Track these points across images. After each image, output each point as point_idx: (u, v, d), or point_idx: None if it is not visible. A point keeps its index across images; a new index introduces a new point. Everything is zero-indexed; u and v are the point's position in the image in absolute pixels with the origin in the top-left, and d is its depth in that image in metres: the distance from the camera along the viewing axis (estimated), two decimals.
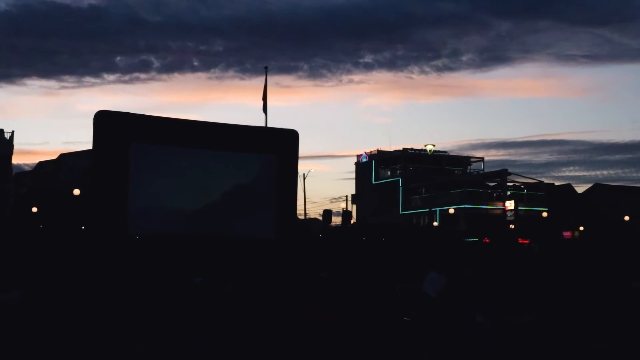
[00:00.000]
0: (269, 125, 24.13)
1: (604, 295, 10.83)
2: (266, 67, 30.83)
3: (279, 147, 11.83)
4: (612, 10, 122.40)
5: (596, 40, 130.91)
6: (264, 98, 29.37)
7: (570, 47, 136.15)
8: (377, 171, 79.51)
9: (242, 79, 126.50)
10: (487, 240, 41.77)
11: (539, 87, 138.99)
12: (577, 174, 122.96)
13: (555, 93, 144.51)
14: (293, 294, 9.79)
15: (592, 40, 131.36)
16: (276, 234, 11.56)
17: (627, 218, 64.24)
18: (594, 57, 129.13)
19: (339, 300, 9.69)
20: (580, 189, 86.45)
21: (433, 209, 65.22)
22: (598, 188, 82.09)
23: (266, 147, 11.79)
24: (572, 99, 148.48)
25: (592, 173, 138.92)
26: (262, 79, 29.63)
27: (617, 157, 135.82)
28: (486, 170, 77.31)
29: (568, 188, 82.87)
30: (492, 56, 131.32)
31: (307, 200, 75.57)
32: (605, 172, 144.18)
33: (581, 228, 62.41)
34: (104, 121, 10.76)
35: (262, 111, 29.39)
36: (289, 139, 11.96)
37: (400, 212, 73.19)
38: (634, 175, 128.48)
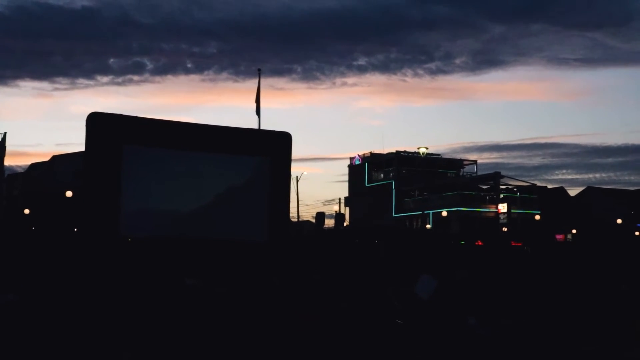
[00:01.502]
0: (262, 127, 24.12)
1: (595, 298, 10.87)
2: (259, 70, 30.87)
3: (272, 149, 11.84)
4: (605, 14, 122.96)
5: (589, 43, 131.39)
6: (257, 100, 29.38)
7: (563, 50, 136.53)
8: (370, 174, 79.50)
9: (236, 81, 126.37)
10: (480, 243, 41.81)
11: (532, 91, 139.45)
12: (569, 177, 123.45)
13: (548, 96, 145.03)
14: (286, 296, 9.80)
15: (585, 44, 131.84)
16: (269, 236, 11.56)
17: (619, 221, 64.48)
18: (587, 61, 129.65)
19: (332, 303, 9.69)
20: (572, 192, 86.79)
21: (426, 212, 65.32)
22: (590, 191, 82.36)
23: (259, 150, 11.79)
24: (565, 102, 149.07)
25: (585, 176, 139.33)
26: (256, 81, 29.62)
27: (610, 160, 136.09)
28: (479, 173, 77.46)
29: (561, 191, 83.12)
30: (486, 59, 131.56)
31: (300, 202, 75.65)
32: (597, 175, 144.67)
33: (574, 231, 62.62)
34: (97, 123, 10.74)
35: (255, 113, 29.41)
36: (282, 141, 11.97)
37: (393, 215, 73.23)
38: (626, 178, 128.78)
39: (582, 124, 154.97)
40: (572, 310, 10.01)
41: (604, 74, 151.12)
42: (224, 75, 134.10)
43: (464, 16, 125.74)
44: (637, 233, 63.00)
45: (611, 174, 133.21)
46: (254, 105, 29.60)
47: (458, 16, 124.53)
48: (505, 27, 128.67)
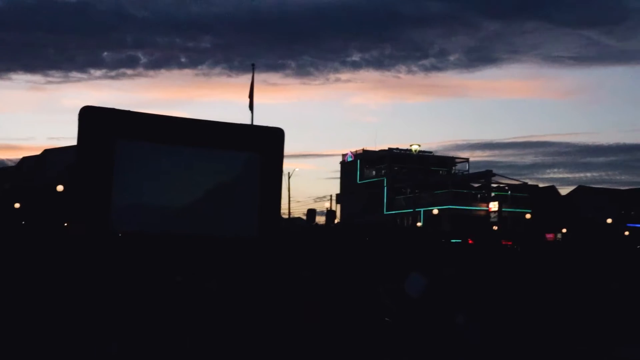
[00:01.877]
0: (255, 123, 24.12)
1: (585, 296, 10.91)
2: (253, 65, 30.94)
3: (264, 145, 11.81)
4: (600, 13, 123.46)
5: (583, 42, 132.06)
6: (251, 95, 29.38)
7: (557, 48, 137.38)
8: (362, 171, 79.60)
9: (230, 76, 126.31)
10: (471, 242, 41.91)
11: (525, 88, 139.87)
12: (561, 175, 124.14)
13: (542, 94, 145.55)
14: (275, 293, 9.80)
15: (579, 42, 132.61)
16: (259, 233, 11.54)
17: (609, 221, 64.76)
18: (581, 59, 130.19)
19: (321, 300, 9.70)
20: (564, 190, 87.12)
21: (417, 210, 65.52)
22: (581, 190, 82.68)
23: (251, 145, 11.76)
24: (558, 100, 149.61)
25: (576, 175, 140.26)
26: (250, 76, 29.63)
27: (601, 159, 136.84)
28: (471, 171, 77.72)
29: (551, 190, 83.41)
30: (480, 56, 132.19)
31: (291, 199, 75.72)
32: (589, 175, 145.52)
33: (564, 230, 62.86)
34: (89, 117, 10.70)
35: (248, 109, 29.40)
36: (274, 137, 11.94)
37: (385, 212, 73.32)
38: (618, 178, 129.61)
39: (574, 123, 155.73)
40: (562, 308, 10.05)
41: (597, 73, 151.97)
42: (218, 70, 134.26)
43: (459, 13, 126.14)
44: (626, 233, 63.28)
45: (602, 173, 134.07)
46: (248, 100, 29.63)
47: (453, 13, 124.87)
48: (499, 24, 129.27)
